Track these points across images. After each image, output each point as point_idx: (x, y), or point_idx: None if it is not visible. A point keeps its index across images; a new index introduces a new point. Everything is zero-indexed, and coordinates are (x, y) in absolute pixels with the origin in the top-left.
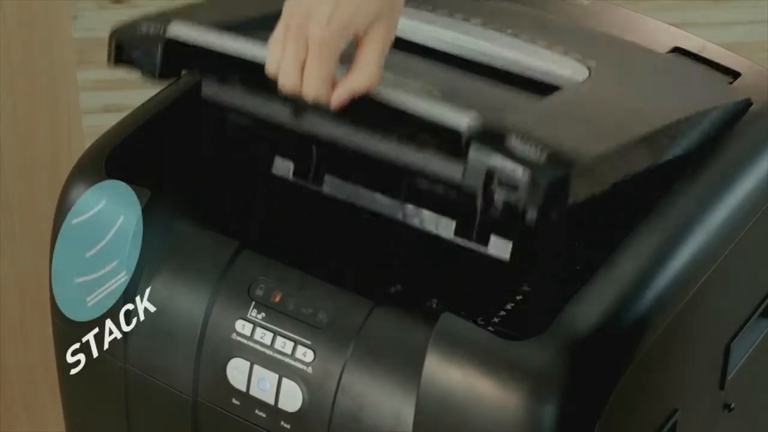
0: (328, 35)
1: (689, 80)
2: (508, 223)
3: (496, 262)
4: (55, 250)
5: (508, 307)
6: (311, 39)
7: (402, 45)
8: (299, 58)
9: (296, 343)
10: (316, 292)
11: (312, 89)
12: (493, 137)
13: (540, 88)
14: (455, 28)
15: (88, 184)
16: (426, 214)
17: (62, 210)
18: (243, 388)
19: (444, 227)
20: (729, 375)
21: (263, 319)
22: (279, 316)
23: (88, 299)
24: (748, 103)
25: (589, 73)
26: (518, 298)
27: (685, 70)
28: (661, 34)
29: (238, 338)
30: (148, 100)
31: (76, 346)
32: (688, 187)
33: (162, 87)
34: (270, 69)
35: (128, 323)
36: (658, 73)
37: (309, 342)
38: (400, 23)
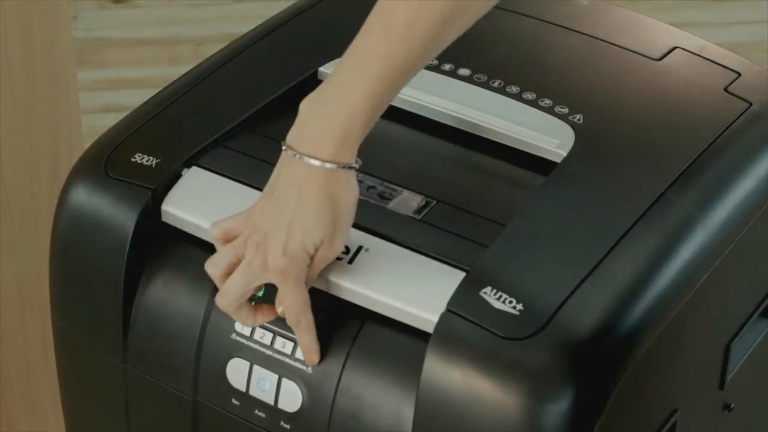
0: (286, 264)
1: (685, 101)
2: None
3: None
4: (54, 250)
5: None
6: (272, 269)
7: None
8: (249, 280)
9: (296, 343)
10: (316, 291)
11: (290, 314)
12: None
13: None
14: (438, 88)
15: (88, 184)
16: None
17: (62, 210)
18: (243, 389)
19: None
20: (729, 375)
21: None
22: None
23: (88, 299)
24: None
25: (575, 136)
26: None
27: (681, 83)
28: (661, 34)
29: (238, 338)
30: (148, 100)
31: (77, 345)
32: (688, 187)
33: (161, 87)
34: (216, 271)
35: (128, 323)
36: (651, 102)
37: None
38: None
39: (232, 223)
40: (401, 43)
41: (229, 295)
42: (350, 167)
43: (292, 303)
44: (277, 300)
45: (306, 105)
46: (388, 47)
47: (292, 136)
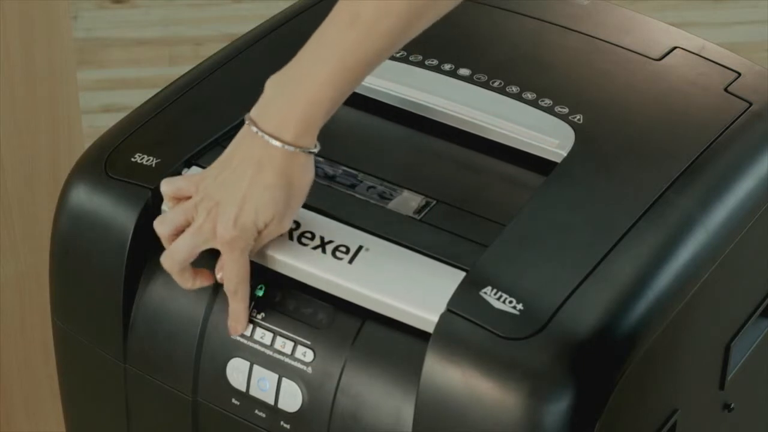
0: (236, 236)
1: (684, 102)
2: None
3: None
4: (54, 250)
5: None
6: (220, 238)
7: (377, 108)
8: (196, 244)
9: (296, 343)
10: (316, 291)
11: (229, 283)
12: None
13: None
14: (439, 88)
15: (88, 184)
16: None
17: (62, 210)
18: (243, 388)
19: None
20: (729, 375)
21: (263, 319)
22: (279, 316)
23: (88, 299)
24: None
25: (575, 136)
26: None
27: (681, 83)
28: (661, 34)
29: (238, 338)
30: (148, 100)
31: (77, 345)
32: (688, 187)
33: (161, 87)
34: (164, 230)
35: (128, 323)
36: (652, 105)
37: (309, 342)
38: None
39: (185, 183)
40: (366, 37)
41: (176, 257)
42: (309, 152)
43: (234, 273)
44: (218, 267)
45: (271, 84)
46: (353, 41)
47: (256, 113)
